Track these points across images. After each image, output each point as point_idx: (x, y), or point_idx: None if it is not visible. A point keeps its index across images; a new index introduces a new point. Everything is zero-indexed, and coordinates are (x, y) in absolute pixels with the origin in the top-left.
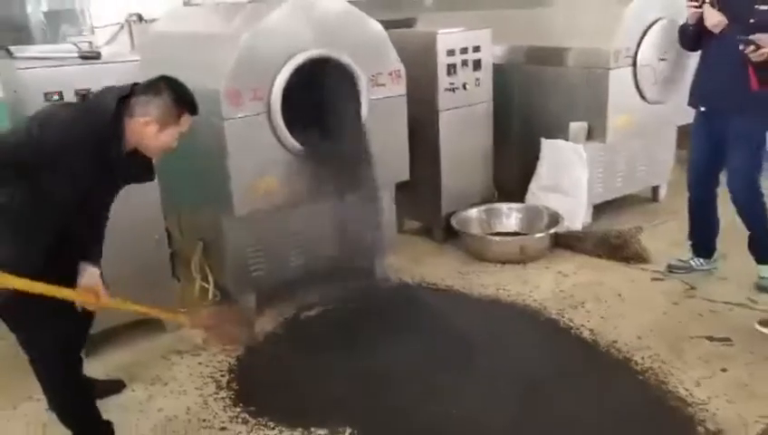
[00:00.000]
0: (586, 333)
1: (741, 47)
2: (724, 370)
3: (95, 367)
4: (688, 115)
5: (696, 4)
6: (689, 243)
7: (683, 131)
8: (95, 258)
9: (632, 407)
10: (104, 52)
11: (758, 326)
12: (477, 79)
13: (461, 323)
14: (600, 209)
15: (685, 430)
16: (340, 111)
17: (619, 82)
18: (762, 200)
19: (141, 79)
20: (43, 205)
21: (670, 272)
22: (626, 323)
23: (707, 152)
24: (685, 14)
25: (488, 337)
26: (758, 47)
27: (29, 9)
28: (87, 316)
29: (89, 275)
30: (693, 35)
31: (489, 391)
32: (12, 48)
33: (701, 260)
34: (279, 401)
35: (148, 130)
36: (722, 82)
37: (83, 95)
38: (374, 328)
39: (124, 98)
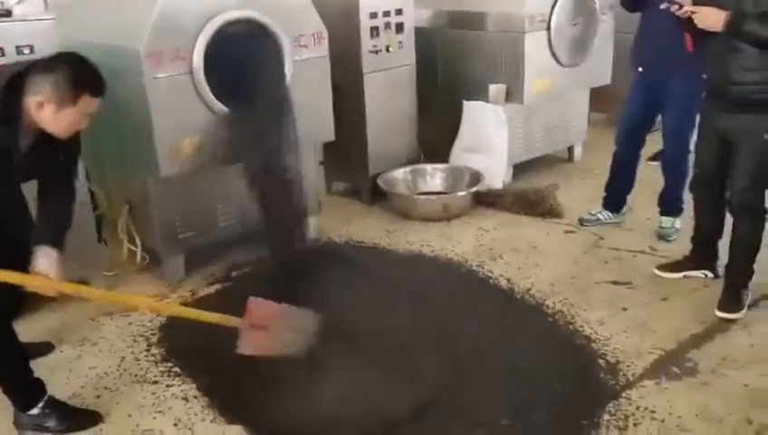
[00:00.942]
0: (503, 283)
1: (663, 6)
2: (624, 309)
3: (22, 330)
4: (600, 79)
5: None
6: (603, 195)
7: (595, 93)
8: (53, 240)
9: (542, 345)
10: (16, 10)
11: (656, 271)
12: (400, 42)
13: (386, 276)
14: (519, 169)
15: (588, 363)
16: (264, 72)
17: (535, 45)
18: (687, 157)
19: (56, 39)
20: None
21: (581, 225)
22: (540, 272)
23: (640, 112)
24: None
25: (411, 288)
26: (680, 6)
27: None
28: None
29: (44, 257)
30: None
31: (411, 338)
32: None
33: (608, 213)
34: (208, 356)
35: (43, 111)
36: (659, 43)
37: None
38: (301, 285)
39: (19, 75)
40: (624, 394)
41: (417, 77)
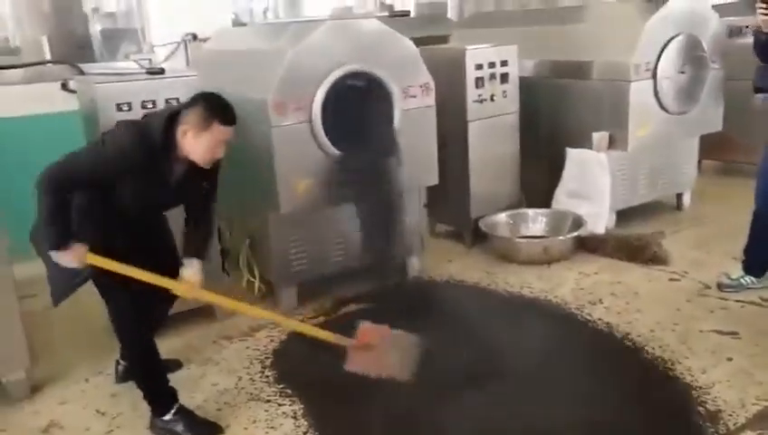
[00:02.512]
0: (602, 326)
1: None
2: (729, 359)
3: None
4: (710, 126)
5: (766, 9)
6: (742, 259)
7: (707, 140)
8: (197, 253)
9: (641, 390)
10: (165, 66)
11: None
12: (504, 91)
13: (487, 316)
14: (623, 215)
15: (687, 410)
16: (374, 120)
17: (640, 93)
18: None
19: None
20: (111, 208)
21: (720, 290)
22: (641, 317)
23: None
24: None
25: (512, 329)
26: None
27: (90, 28)
28: (165, 296)
29: (190, 267)
30: (766, 43)
31: (513, 379)
32: (81, 65)
33: (752, 278)
34: (317, 380)
35: (186, 138)
36: None
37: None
38: (405, 321)
39: (175, 113)
40: None
41: (521, 124)
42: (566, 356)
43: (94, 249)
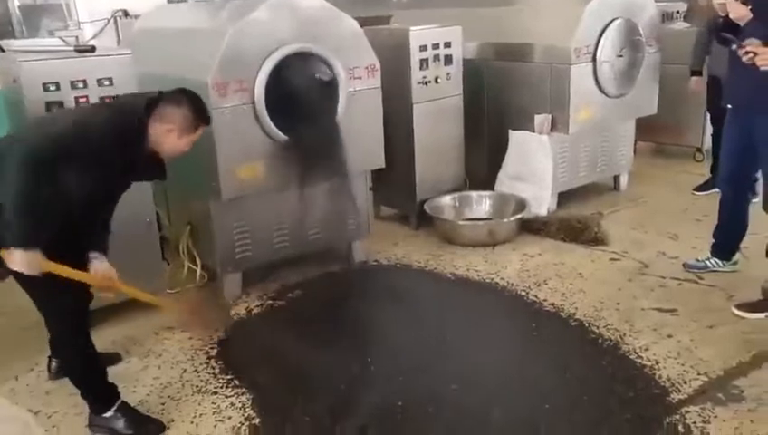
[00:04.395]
0: (548, 307)
1: (733, 47)
2: (670, 336)
3: (93, 341)
4: (646, 109)
5: None
6: (712, 241)
7: (642, 123)
8: (105, 247)
9: (588, 369)
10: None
11: (735, 310)
12: (448, 73)
13: (434, 300)
14: (564, 197)
15: (634, 387)
16: (319, 102)
17: (580, 76)
18: None
19: (132, 72)
20: (60, 194)
21: (686, 270)
22: (584, 297)
23: (737, 150)
24: (639, 14)
25: (459, 312)
26: (754, 53)
27: (8, 2)
28: (88, 293)
29: (101, 262)
30: (721, 29)
31: (464, 360)
32: (1, 42)
33: (717, 260)
34: (265, 370)
35: (169, 136)
36: (748, 81)
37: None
38: (351, 305)
39: (151, 102)
40: (668, 419)
41: (465, 107)
42: (514, 338)
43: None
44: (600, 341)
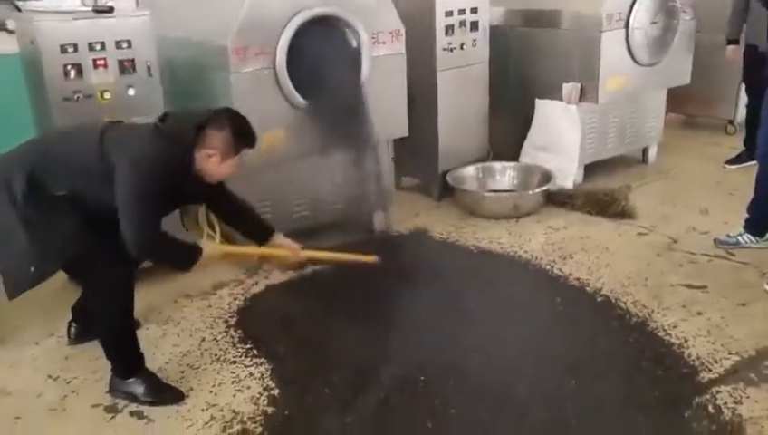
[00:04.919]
0: (573, 281)
1: None
2: (699, 313)
3: None
4: (679, 78)
5: None
6: (746, 216)
7: (672, 94)
8: (270, 226)
9: (615, 346)
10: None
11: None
12: (474, 40)
13: (457, 271)
14: (591, 169)
15: (663, 365)
16: (341, 67)
17: (611, 44)
18: None
19: (151, 35)
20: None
21: (717, 246)
22: (611, 272)
23: None
24: None
25: (482, 284)
26: None
27: None
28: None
29: (280, 239)
30: None
31: (486, 334)
32: (18, 3)
33: (750, 237)
34: (285, 340)
35: (210, 161)
36: None
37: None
38: (372, 277)
39: (197, 129)
40: (698, 399)
41: (490, 75)
42: (538, 312)
43: None
44: (627, 317)
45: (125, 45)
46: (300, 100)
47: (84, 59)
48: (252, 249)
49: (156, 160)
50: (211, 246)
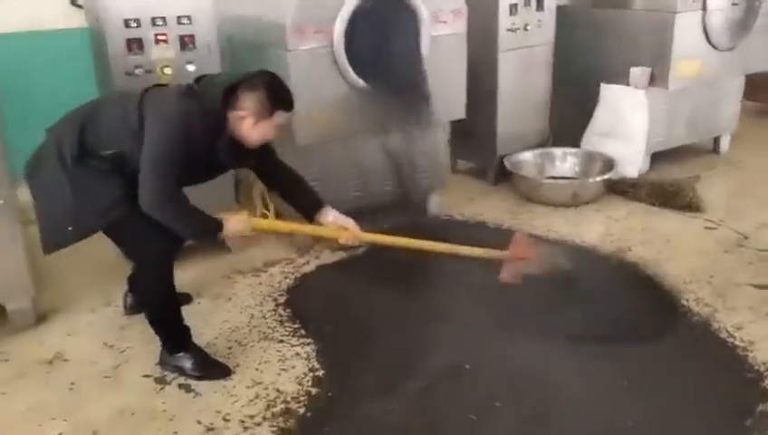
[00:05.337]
0: (632, 275)
1: None
2: None
3: None
4: (758, 64)
5: None
6: None
7: (750, 81)
8: (320, 201)
9: (674, 347)
10: None
11: None
12: (539, 20)
13: None
14: (658, 158)
15: (728, 369)
16: (401, 46)
17: (686, 26)
18: None
19: (212, 11)
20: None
21: None
22: (674, 267)
23: None
24: None
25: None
26: None
27: None
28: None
29: (330, 214)
30: None
31: (537, 324)
32: None
33: None
34: (332, 322)
35: (243, 123)
36: None
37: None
38: (422, 261)
39: (230, 88)
40: (762, 406)
41: (554, 57)
42: (593, 305)
43: None
44: (688, 315)
45: (186, 21)
46: (357, 79)
47: (146, 33)
48: (289, 225)
49: (181, 119)
50: (239, 219)
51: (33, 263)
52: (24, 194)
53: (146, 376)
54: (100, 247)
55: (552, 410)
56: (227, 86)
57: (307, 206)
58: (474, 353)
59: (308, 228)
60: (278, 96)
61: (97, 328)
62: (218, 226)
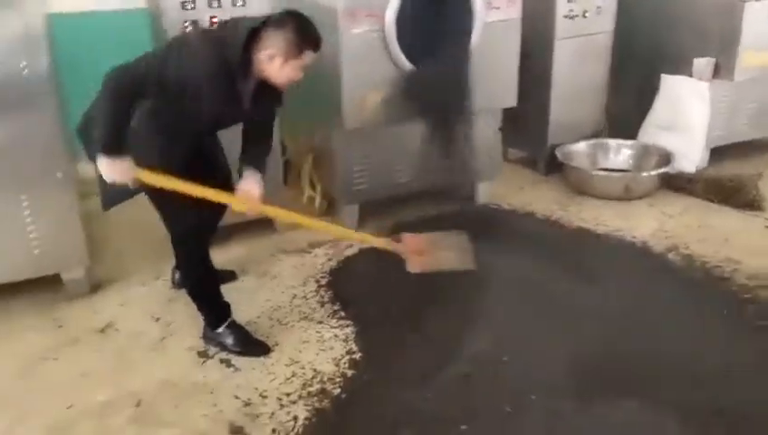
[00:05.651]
0: (684, 273)
1: None
2: None
3: (212, 257)
4: None
5: None
6: None
7: None
8: (256, 164)
9: (731, 356)
10: None
11: None
12: (599, 6)
13: (555, 251)
14: (718, 153)
15: None
16: (453, 32)
17: (757, 15)
18: None
19: None
20: (179, 120)
21: None
22: (731, 267)
23: None
24: None
25: (580, 267)
26: None
27: None
28: (219, 210)
29: (249, 179)
30: None
31: (583, 322)
32: None
33: None
34: (372, 305)
35: (272, 63)
36: None
37: (220, 22)
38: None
39: (255, 30)
40: None
41: (612, 45)
42: (641, 304)
43: (149, 168)
44: (747, 320)
45: (240, 3)
46: (407, 64)
47: (202, 15)
48: (185, 186)
49: (197, 54)
50: (127, 164)
51: (90, 235)
52: (83, 168)
53: (189, 349)
54: (154, 223)
55: (589, 409)
56: (252, 27)
57: (244, 160)
58: (513, 346)
59: (209, 192)
60: (307, 35)
61: (147, 300)
62: (107, 149)
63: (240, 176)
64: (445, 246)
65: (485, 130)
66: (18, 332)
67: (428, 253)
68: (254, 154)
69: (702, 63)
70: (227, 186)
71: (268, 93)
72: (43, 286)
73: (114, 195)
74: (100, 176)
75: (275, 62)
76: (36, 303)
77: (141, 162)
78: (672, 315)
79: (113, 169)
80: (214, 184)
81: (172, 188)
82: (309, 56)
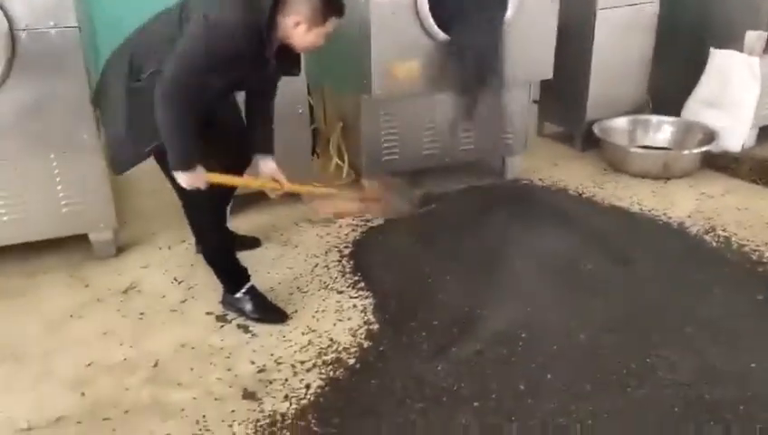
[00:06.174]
0: (719, 258)
1: None
2: None
3: (238, 224)
4: None
5: None
6: None
7: None
8: (269, 147)
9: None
10: None
11: None
12: None
13: (585, 229)
14: (765, 132)
15: None
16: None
17: None
18: None
19: None
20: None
21: None
22: None
23: None
24: None
25: (611, 247)
26: None
27: None
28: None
29: (266, 163)
30: None
31: (609, 303)
32: None
33: None
34: (393, 278)
35: (297, 29)
36: None
37: None
38: (492, 224)
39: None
40: None
41: (659, 17)
42: (669, 284)
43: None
44: None
45: None
46: (439, 32)
47: None
48: (232, 178)
49: (230, 23)
50: (197, 177)
51: (118, 199)
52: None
53: (208, 313)
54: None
55: (603, 388)
56: None
57: (256, 143)
58: (532, 323)
59: (256, 183)
60: (332, 2)
61: (170, 263)
62: (184, 165)
63: (251, 157)
64: (397, 192)
65: (519, 103)
66: (46, 289)
67: (382, 202)
68: (264, 138)
69: (753, 37)
70: (244, 156)
71: (287, 58)
72: (72, 246)
73: (125, 160)
74: (109, 140)
75: (300, 29)
76: (64, 262)
77: (146, 127)
78: (704, 299)
79: (194, 180)
80: (227, 153)
81: (233, 183)
82: (333, 23)
